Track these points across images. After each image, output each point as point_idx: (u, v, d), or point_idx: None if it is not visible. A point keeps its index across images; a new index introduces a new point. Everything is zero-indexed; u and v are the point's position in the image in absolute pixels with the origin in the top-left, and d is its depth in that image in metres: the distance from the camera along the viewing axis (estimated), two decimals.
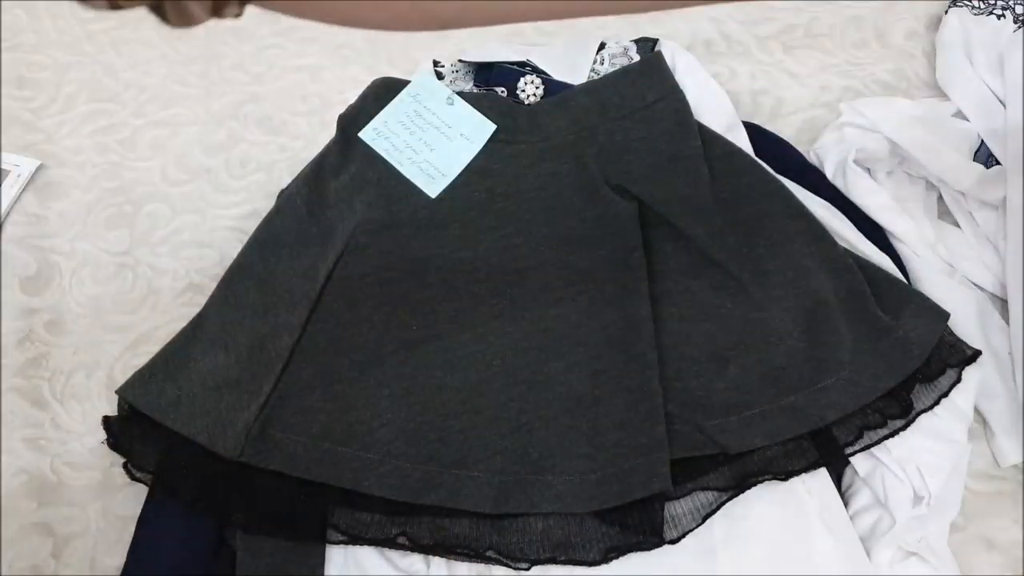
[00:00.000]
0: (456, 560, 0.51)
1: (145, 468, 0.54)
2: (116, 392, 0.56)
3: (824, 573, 0.50)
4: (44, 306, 0.65)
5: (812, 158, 0.68)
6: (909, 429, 0.52)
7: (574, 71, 0.68)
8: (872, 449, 0.53)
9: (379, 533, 0.51)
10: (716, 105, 0.66)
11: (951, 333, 0.55)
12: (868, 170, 0.65)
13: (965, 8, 0.72)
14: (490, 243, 0.60)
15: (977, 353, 0.54)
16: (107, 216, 0.70)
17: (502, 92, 0.68)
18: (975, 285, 0.62)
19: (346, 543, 0.51)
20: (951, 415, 0.54)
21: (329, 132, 0.66)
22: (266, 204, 0.65)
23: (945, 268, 0.62)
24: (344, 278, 0.59)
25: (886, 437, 0.52)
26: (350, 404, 0.55)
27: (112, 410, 0.58)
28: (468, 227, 0.61)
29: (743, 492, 0.51)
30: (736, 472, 0.52)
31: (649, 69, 0.65)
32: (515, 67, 0.69)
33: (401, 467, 0.52)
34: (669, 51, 0.69)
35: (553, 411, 0.54)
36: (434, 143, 0.64)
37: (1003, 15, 0.71)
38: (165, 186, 0.71)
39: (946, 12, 0.73)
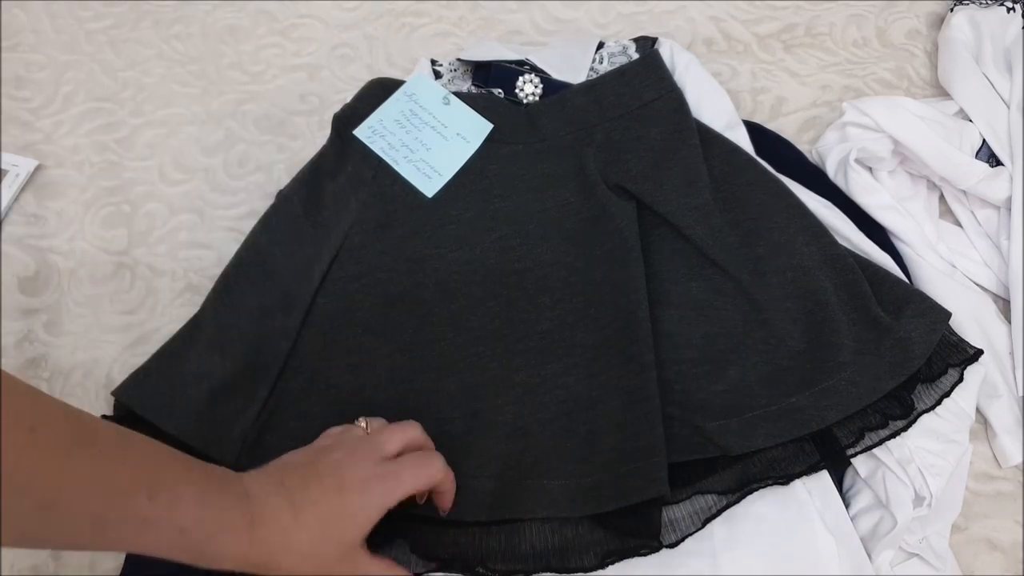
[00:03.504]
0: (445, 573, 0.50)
1: None
2: (112, 394, 0.56)
3: (825, 574, 0.49)
4: (43, 306, 0.65)
5: (813, 157, 0.68)
6: (910, 430, 0.52)
7: (573, 70, 0.67)
8: (873, 450, 0.53)
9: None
10: (716, 104, 0.66)
11: (953, 332, 0.55)
12: (870, 169, 0.65)
13: (972, 5, 0.72)
14: (487, 244, 0.60)
15: (979, 352, 0.54)
16: (105, 216, 0.69)
17: (499, 93, 0.68)
18: (976, 285, 0.62)
19: None
20: (953, 415, 0.54)
21: (328, 132, 0.66)
22: (264, 204, 0.64)
23: (946, 268, 0.61)
24: (339, 279, 0.59)
25: (888, 438, 0.52)
26: (346, 410, 0.55)
27: (111, 410, 0.58)
28: (464, 228, 0.61)
29: (744, 497, 0.51)
30: (737, 475, 0.51)
31: (646, 68, 0.65)
32: (513, 66, 0.68)
33: None
34: (668, 50, 0.68)
35: (549, 414, 0.54)
36: (430, 142, 0.64)
37: (1013, 8, 0.70)
38: (163, 186, 0.71)
39: (951, 11, 0.72)
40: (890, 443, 0.52)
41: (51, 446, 0.32)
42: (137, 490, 0.34)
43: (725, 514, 0.51)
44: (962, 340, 0.55)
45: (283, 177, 0.69)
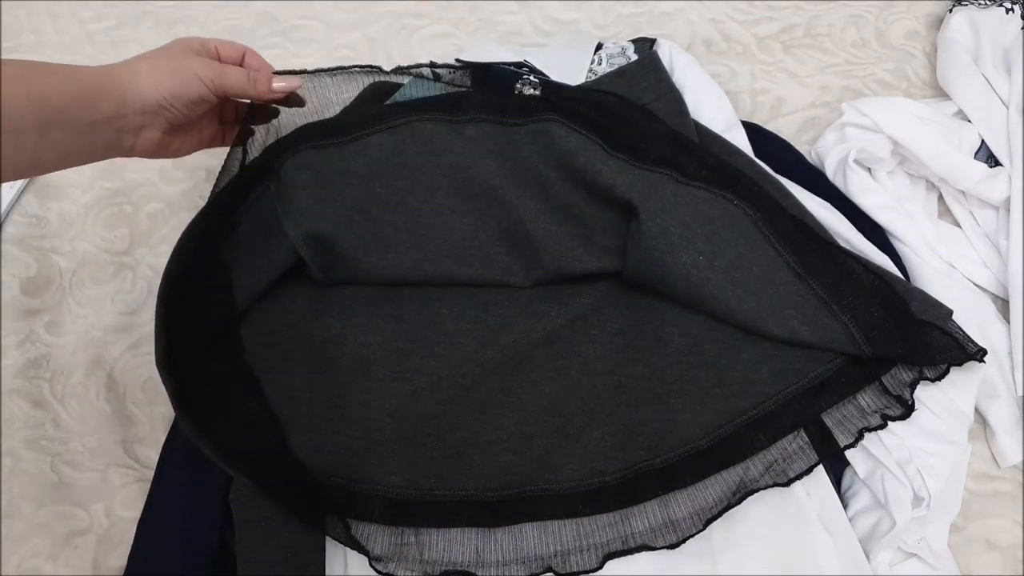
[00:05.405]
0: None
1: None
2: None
3: (823, 574, 0.50)
4: (44, 307, 0.66)
5: (812, 158, 0.68)
6: (910, 430, 0.52)
7: (572, 72, 0.67)
8: (872, 451, 0.53)
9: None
10: (715, 105, 0.66)
11: (958, 329, 0.54)
12: (869, 170, 0.65)
13: (971, 6, 0.72)
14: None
15: (982, 351, 0.53)
16: (107, 216, 0.70)
17: None
18: (975, 285, 0.62)
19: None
20: (951, 416, 0.54)
21: None
22: None
23: (945, 268, 0.61)
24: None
25: (883, 426, 0.52)
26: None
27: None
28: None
29: (745, 498, 0.51)
30: (738, 476, 0.52)
31: (644, 69, 0.65)
32: (512, 68, 0.68)
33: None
34: (667, 51, 0.68)
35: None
36: None
37: (1012, 9, 0.70)
38: (164, 186, 0.71)
39: (950, 11, 0.73)
40: (889, 444, 0.53)
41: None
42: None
43: (724, 515, 0.51)
44: (966, 336, 0.54)
45: None
